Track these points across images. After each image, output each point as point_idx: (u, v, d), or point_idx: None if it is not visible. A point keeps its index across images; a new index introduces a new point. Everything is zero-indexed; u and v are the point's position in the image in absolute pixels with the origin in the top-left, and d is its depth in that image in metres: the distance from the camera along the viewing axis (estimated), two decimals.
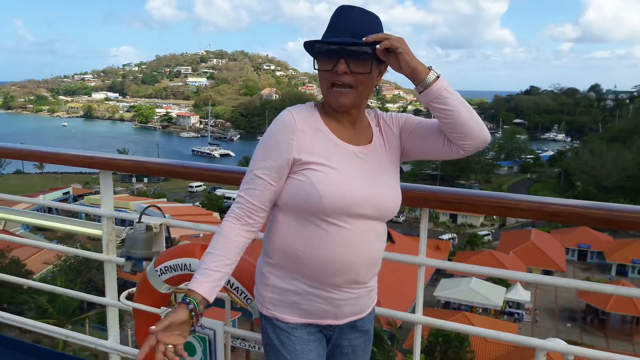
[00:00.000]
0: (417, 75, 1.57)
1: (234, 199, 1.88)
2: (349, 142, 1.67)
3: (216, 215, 47.44)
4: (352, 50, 1.56)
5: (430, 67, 1.58)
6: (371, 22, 1.62)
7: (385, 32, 1.62)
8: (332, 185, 1.57)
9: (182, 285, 2.30)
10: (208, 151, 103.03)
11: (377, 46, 1.56)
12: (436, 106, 1.58)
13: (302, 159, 1.60)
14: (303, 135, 1.61)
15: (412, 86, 1.63)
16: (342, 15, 1.60)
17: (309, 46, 1.64)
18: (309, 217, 1.60)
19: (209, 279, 1.59)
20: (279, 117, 1.65)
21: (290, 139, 1.60)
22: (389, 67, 1.65)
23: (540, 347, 1.97)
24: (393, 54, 1.57)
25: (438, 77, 1.57)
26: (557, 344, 1.95)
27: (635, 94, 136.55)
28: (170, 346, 1.48)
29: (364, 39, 1.55)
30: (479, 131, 1.61)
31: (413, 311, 2.25)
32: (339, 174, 1.60)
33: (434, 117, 1.67)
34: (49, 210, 31.64)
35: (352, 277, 1.65)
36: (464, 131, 1.60)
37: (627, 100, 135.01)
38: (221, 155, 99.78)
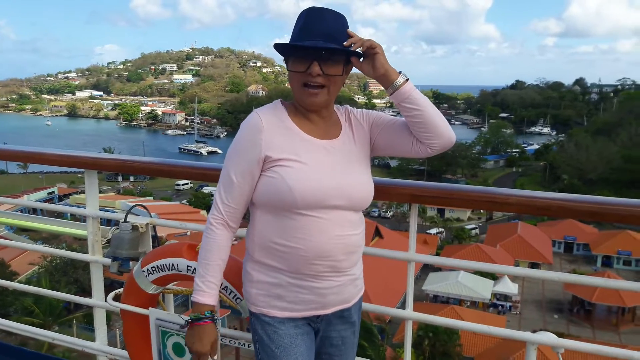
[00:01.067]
0: (389, 77, 1.67)
1: None
2: (318, 137, 1.72)
3: (203, 213, 47.24)
4: (326, 53, 1.62)
5: (400, 71, 1.68)
6: (341, 23, 1.67)
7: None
8: (303, 179, 1.63)
9: (170, 286, 2.27)
10: (195, 149, 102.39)
11: (360, 47, 1.63)
12: (406, 106, 1.68)
13: (272, 157, 1.65)
14: (271, 134, 1.67)
15: None
16: (314, 17, 1.64)
17: (280, 46, 1.68)
18: (283, 212, 1.66)
19: (214, 291, 1.75)
20: (247, 119, 1.71)
21: (259, 138, 1.66)
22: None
23: (531, 340, 1.98)
24: (367, 58, 1.67)
25: (407, 80, 1.68)
26: (548, 337, 1.95)
27: (619, 87, 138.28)
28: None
29: (344, 43, 1.62)
30: (446, 130, 1.71)
31: (402, 305, 2.24)
32: (308, 168, 1.65)
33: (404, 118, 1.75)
34: (33, 211, 31.27)
35: (330, 265, 1.69)
36: (432, 130, 1.69)
37: (612, 94, 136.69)
38: (208, 152, 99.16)
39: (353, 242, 1.73)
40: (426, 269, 36.14)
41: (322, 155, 1.69)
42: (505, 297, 33.84)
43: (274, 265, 1.70)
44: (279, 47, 1.68)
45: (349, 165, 1.73)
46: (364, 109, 1.86)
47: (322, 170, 1.66)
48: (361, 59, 1.69)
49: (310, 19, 1.64)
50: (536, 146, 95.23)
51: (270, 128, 1.67)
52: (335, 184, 1.66)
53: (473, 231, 49.41)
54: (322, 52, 1.61)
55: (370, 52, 1.65)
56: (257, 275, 1.73)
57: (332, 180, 1.66)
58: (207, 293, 1.72)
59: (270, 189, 1.65)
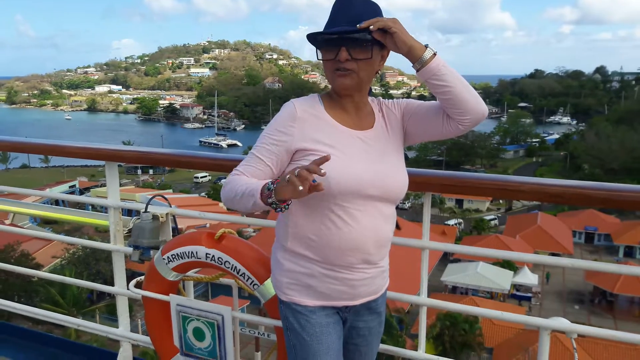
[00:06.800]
0: (414, 53, 1.61)
1: None
2: (353, 128, 1.72)
3: (221, 205, 47.48)
4: (353, 38, 1.61)
5: (427, 45, 1.61)
6: (371, 9, 1.66)
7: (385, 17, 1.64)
8: (339, 168, 1.62)
9: (189, 273, 2.34)
10: (215, 142, 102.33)
11: (371, 27, 1.58)
12: (434, 83, 1.63)
13: (307, 147, 1.66)
14: (306, 123, 1.68)
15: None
16: (343, 5, 1.65)
17: (312, 37, 1.69)
18: (319, 201, 1.65)
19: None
20: (283, 107, 1.72)
21: (291, 126, 1.67)
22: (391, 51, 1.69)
23: (544, 326, 2.00)
24: (389, 35, 1.61)
25: (434, 54, 1.61)
26: (561, 323, 1.97)
27: None
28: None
29: (357, 25, 1.59)
30: (477, 105, 1.65)
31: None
32: (344, 158, 1.65)
33: (433, 96, 1.71)
34: (56, 203, 31.82)
35: (363, 257, 1.71)
36: (462, 106, 1.64)
37: (633, 82, 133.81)
38: (229, 145, 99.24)
39: (385, 236, 1.75)
40: (445, 260, 35.96)
41: (358, 145, 1.70)
42: (525, 288, 33.57)
43: (307, 256, 1.71)
44: (310, 37, 1.69)
45: (384, 156, 1.73)
46: (394, 99, 1.85)
47: (359, 160, 1.67)
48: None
49: (338, 7, 1.66)
50: (556, 136, 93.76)
51: (305, 118, 1.68)
52: (371, 173, 1.67)
53: (492, 222, 49.02)
54: (350, 38, 1.60)
55: (390, 32, 1.60)
56: (289, 265, 1.75)
57: (368, 170, 1.67)
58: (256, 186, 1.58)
59: None
